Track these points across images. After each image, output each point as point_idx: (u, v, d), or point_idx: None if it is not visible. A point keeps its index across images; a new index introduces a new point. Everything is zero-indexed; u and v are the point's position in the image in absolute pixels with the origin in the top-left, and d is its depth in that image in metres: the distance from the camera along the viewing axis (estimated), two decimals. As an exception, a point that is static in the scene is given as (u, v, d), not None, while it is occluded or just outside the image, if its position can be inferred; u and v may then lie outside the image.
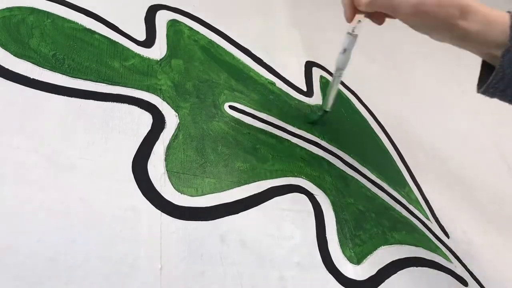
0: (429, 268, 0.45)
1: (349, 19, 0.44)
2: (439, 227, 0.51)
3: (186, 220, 0.35)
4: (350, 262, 0.40)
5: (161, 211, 0.34)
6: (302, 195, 0.42)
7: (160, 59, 0.44)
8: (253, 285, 0.34)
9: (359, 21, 0.43)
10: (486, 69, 0.41)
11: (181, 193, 0.36)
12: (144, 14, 0.47)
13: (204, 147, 0.40)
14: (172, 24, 0.49)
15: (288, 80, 0.53)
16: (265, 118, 0.47)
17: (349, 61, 0.45)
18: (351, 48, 0.44)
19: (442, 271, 0.46)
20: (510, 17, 0.37)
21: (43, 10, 0.40)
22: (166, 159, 0.37)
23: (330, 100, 0.47)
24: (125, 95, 0.39)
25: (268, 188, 0.41)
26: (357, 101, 0.58)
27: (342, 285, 0.38)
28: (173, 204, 0.35)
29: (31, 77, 0.35)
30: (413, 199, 0.52)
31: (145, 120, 0.39)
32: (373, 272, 0.41)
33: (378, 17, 0.43)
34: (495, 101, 0.52)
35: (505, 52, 0.37)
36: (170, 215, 0.34)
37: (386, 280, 0.41)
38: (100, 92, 0.38)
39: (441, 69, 0.51)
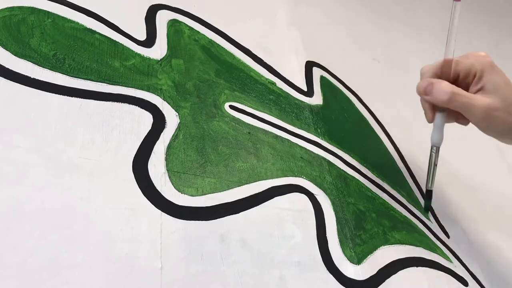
0: (429, 268, 0.45)
1: (430, 120, 0.46)
2: (439, 227, 0.51)
3: (186, 219, 0.35)
4: (351, 262, 0.40)
5: (162, 210, 0.34)
6: (303, 194, 0.42)
7: (161, 59, 0.44)
8: (253, 285, 0.34)
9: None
10: None
11: (182, 193, 0.36)
12: (145, 14, 0.47)
13: (205, 147, 0.40)
14: (173, 23, 0.49)
15: (288, 80, 0.53)
16: (265, 118, 0.47)
17: (443, 138, 0.46)
18: (440, 124, 0.45)
19: (442, 271, 0.46)
20: None
21: (44, 10, 0.40)
22: (166, 159, 0.37)
23: (431, 178, 0.49)
24: (126, 95, 0.39)
25: (269, 188, 0.41)
26: (357, 101, 0.58)
27: (342, 285, 0.38)
28: (174, 203, 0.35)
29: (32, 77, 0.35)
30: (413, 198, 0.52)
31: (146, 119, 0.39)
32: (373, 272, 0.41)
33: (455, 115, 0.45)
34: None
35: None
36: (171, 215, 0.34)
37: (386, 280, 0.41)
38: (100, 91, 0.38)
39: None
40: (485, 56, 0.42)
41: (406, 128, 0.60)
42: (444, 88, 0.41)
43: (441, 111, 0.45)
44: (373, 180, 0.50)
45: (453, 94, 0.41)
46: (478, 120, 0.41)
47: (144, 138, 0.37)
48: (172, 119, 0.40)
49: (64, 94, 0.36)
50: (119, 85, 0.39)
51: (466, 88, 0.43)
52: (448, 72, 0.43)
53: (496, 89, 0.40)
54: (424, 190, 0.51)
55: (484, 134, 0.43)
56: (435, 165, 0.48)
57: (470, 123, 0.44)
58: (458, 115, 0.44)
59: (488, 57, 0.42)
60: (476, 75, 0.42)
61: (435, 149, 0.47)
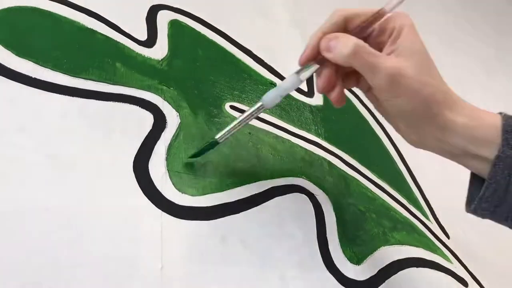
0: (430, 268, 0.45)
1: (302, 61, 0.36)
2: (439, 227, 0.51)
3: (187, 219, 0.35)
4: (351, 262, 0.40)
5: (162, 210, 0.34)
6: (303, 195, 0.43)
7: (162, 59, 0.44)
8: (254, 285, 0.34)
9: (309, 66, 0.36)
10: (475, 183, 0.34)
11: (182, 193, 0.36)
12: (146, 14, 0.47)
13: (205, 147, 0.40)
14: (174, 24, 0.49)
15: (289, 81, 0.53)
16: (266, 118, 0.47)
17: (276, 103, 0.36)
18: (287, 92, 0.37)
19: (442, 272, 0.46)
20: (502, 118, 0.31)
21: (45, 10, 0.40)
22: (167, 159, 0.37)
23: (227, 131, 0.37)
24: (126, 95, 0.39)
25: (269, 188, 0.41)
26: (357, 101, 0.58)
27: (343, 285, 0.38)
28: (174, 203, 0.35)
29: (33, 76, 0.36)
30: (413, 199, 0.52)
31: (146, 119, 0.39)
32: (373, 272, 0.41)
33: (355, 78, 0.36)
34: (495, 103, 0.52)
35: (496, 159, 0.30)
36: (171, 215, 0.34)
37: (387, 281, 0.41)
38: (101, 91, 0.38)
39: (440, 70, 0.51)
40: (407, 16, 0.34)
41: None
42: (347, 41, 0.32)
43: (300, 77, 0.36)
44: (373, 181, 0.50)
45: (357, 47, 0.32)
46: (382, 85, 0.32)
47: (145, 138, 0.37)
48: (173, 119, 0.40)
49: (65, 94, 0.36)
50: (120, 85, 0.39)
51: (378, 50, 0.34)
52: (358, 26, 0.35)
53: (412, 54, 0.32)
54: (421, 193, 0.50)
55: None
56: (245, 123, 0.37)
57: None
58: (357, 78, 0.37)
59: (410, 18, 0.34)
60: (392, 34, 0.33)
61: (261, 107, 0.36)
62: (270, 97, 0.36)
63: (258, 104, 0.36)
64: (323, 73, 0.35)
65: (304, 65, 0.36)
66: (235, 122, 0.36)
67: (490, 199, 0.32)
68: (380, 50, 0.34)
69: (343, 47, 0.32)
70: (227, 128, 0.37)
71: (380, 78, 0.32)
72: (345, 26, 0.35)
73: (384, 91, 0.33)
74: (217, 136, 0.37)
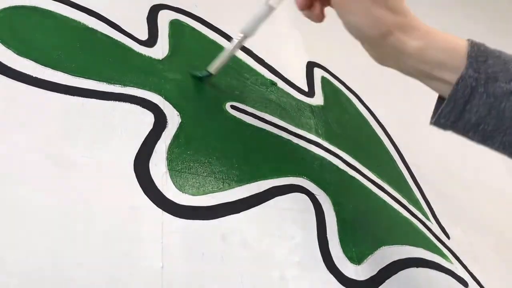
0: (430, 268, 0.45)
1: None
2: (440, 227, 0.51)
3: (187, 219, 0.35)
4: (351, 262, 0.40)
5: (163, 209, 0.34)
6: (303, 195, 0.43)
7: (162, 59, 0.44)
8: (254, 285, 0.34)
9: None
10: (439, 101, 0.37)
11: (183, 192, 0.36)
12: (146, 14, 0.47)
13: (206, 147, 0.40)
14: (174, 23, 0.49)
15: (289, 81, 0.53)
16: (266, 118, 0.47)
17: (256, 30, 0.41)
18: (263, 19, 0.41)
19: (442, 272, 0.46)
20: (468, 44, 0.33)
21: (46, 9, 0.41)
22: (167, 158, 0.37)
23: (218, 63, 0.43)
24: (127, 94, 0.39)
25: (269, 188, 0.41)
26: (358, 102, 0.58)
27: (343, 285, 0.38)
28: (175, 203, 0.35)
29: (33, 76, 0.36)
30: (414, 199, 0.52)
31: (147, 119, 0.39)
32: (373, 272, 0.41)
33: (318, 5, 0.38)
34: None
35: (460, 79, 0.32)
36: (172, 214, 0.34)
37: (387, 280, 0.41)
38: (102, 91, 0.38)
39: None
40: None
41: (406, 129, 0.60)
42: None
43: (270, 5, 0.41)
44: (374, 181, 0.50)
45: None
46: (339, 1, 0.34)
47: (146, 137, 0.37)
48: (173, 118, 0.40)
49: (66, 93, 0.36)
50: (120, 84, 0.39)
51: None
52: None
53: None
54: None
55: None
56: (233, 54, 0.43)
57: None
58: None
59: None
60: None
61: (243, 38, 0.42)
62: (248, 27, 0.42)
63: (241, 36, 0.42)
64: None
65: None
66: (224, 55, 0.43)
67: (448, 116, 0.34)
68: None
69: None
70: (218, 62, 0.43)
71: None
72: None
73: (339, 5, 0.35)
74: (211, 70, 0.43)
